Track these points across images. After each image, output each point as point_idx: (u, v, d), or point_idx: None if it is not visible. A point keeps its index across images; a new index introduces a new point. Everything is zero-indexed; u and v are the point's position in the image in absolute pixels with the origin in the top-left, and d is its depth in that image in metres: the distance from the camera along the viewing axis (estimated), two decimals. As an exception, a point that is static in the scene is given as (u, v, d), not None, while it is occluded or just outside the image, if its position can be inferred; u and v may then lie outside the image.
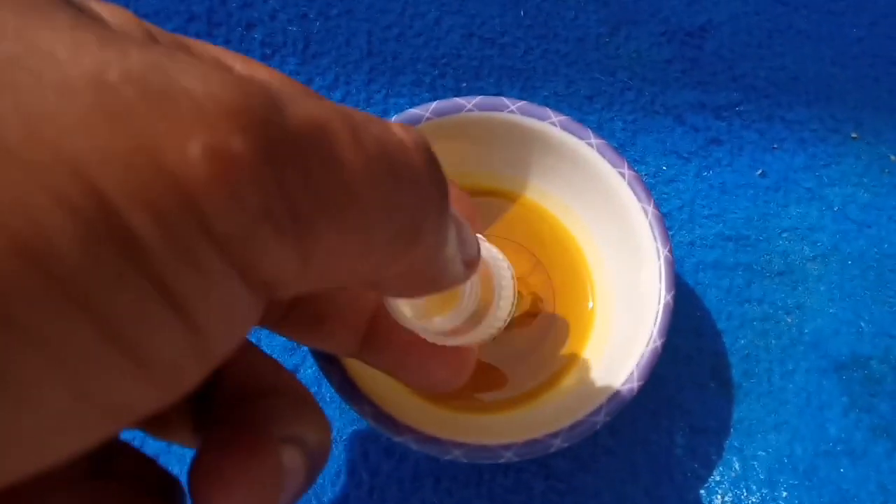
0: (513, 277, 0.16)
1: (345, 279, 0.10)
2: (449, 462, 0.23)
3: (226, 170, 0.08)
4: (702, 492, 0.23)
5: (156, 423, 0.15)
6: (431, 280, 0.12)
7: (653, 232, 0.21)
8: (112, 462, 0.13)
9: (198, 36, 0.28)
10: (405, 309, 0.15)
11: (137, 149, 0.07)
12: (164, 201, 0.07)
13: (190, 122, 0.07)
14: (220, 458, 0.12)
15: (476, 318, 0.15)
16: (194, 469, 0.12)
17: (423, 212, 0.10)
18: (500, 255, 0.16)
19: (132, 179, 0.07)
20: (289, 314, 0.17)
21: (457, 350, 0.17)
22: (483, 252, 0.15)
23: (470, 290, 0.15)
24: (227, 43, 0.28)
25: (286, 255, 0.09)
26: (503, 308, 0.16)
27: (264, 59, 0.28)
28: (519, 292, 0.23)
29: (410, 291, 0.12)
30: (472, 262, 0.13)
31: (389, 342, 0.17)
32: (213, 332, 0.08)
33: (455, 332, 0.15)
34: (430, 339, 0.15)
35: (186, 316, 0.08)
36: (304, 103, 0.09)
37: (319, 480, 0.23)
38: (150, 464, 0.14)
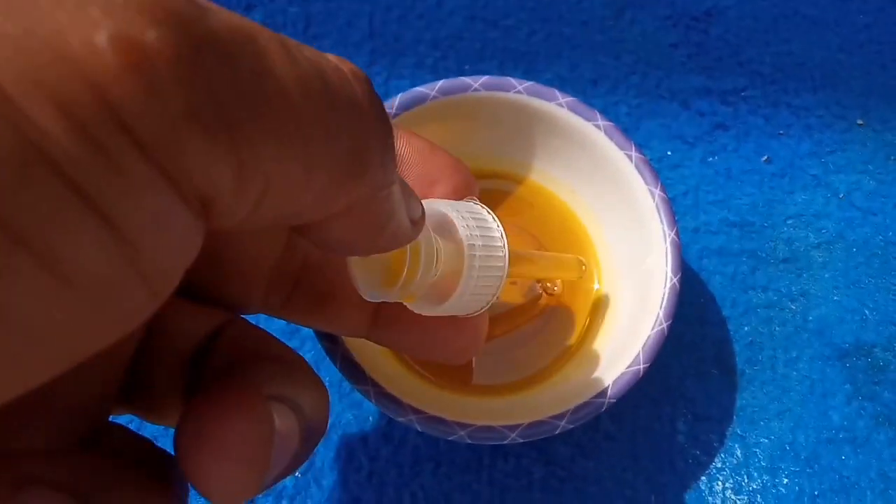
0: (504, 244, 0.15)
1: (289, 210, 0.10)
2: (449, 447, 0.23)
3: (139, 61, 0.07)
4: (703, 478, 0.23)
5: (148, 406, 0.14)
6: (378, 227, 0.12)
7: (659, 215, 0.20)
8: (102, 439, 0.13)
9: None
10: (365, 276, 0.15)
11: (31, 33, 0.07)
12: (69, 92, 0.07)
13: (97, 13, 0.07)
14: (205, 416, 0.11)
15: (441, 287, 0.15)
16: (179, 431, 0.11)
17: (365, 141, 0.10)
18: (492, 221, 0.15)
19: (28, 65, 0.07)
20: (292, 296, 0.16)
21: (470, 320, 0.17)
22: (461, 217, 0.15)
23: (425, 255, 0.14)
24: (226, 22, 0.28)
25: (218, 162, 0.08)
26: (484, 276, 0.15)
27: (264, 39, 0.27)
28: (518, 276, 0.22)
29: (355, 241, 0.12)
30: (415, 220, 0.13)
31: (400, 318, 0.16)
32: (147, 245, 0.08)
33: (431, 299, 0.15)
34: (416, 310, 0.15)
35: (111, 223, 0.07)
36: (232, 14, 0.08)
37: (318, 464, 0.23)
38: (141, 441, 0.13)
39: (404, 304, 0.15)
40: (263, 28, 0.09)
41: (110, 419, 0.13)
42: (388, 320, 0.17)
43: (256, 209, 0.09)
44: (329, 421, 0.14)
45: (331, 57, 0.10)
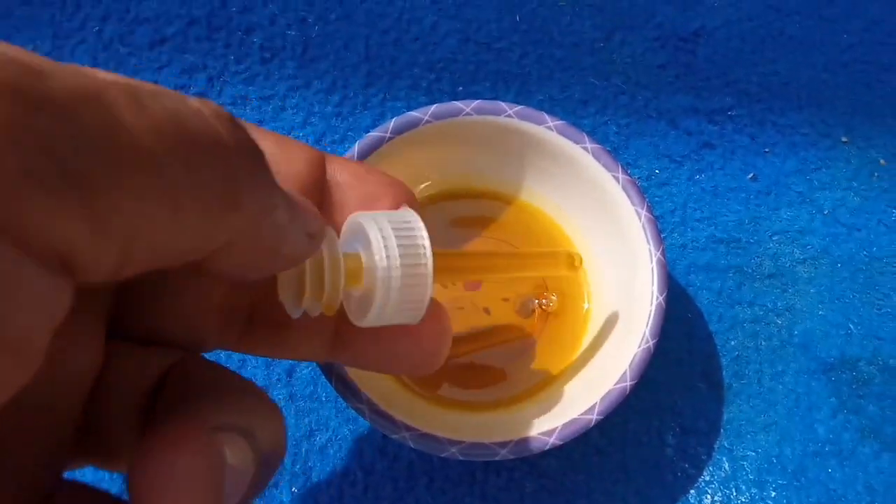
0: (427, 253, 0.15)
1: (167, 252, 0.10)
2: (442, 462, 0.23)
3: None
4: (692, 491, 0.24)
5: (106, 454, 0.14)
6: (269, 251, 0.12)
7: (646, 235, 0.21)
8: (55, 499, 0.13)
9: (197, 40, 0.28)
10: (284, 294, 0.15)
11: None
12: None
13: None
14: (152, 453, 0.11)
15: (366, 299, 0.15)
16: (130, 472, 0.11)
17: (231, 175, 0.11)
18: (418, 231, 0.15)
19: None
20: (248, 329, 0.17)
21: (429, 329, 0.17)
22: (379, 230, 0.15)
23: (330, 268, 0.15)
24: (227, 47, 0.28)
25: (70, 217, 0.08)
26: (407, 286, 0.15)
27: (263, 63, 0.28)
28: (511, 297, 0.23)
29: (253, 266, 0.12)
30: (313, 233, 0.13)
31: (357, 338, 0.17)
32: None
33: (360, 310, 0.15)
34: (354, 322, 0.16)
35: None
36: (75, 74, 0.09)
37: (315, 479, 0.23)
38: (99, 495, 0.13)
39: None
40: (115, 82, 0.09)
41: (66, 475, 0.13)
42: (345, 341, 0.17)
43: (127, 257, 0.09)
44: (286, 448, 0.15)
45: (192, 100, 0.11)
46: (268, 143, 0.16)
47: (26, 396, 0.11)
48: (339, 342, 0.17)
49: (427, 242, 0.15)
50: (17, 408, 0.11)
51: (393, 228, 0.15)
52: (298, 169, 0.16)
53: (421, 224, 0.16)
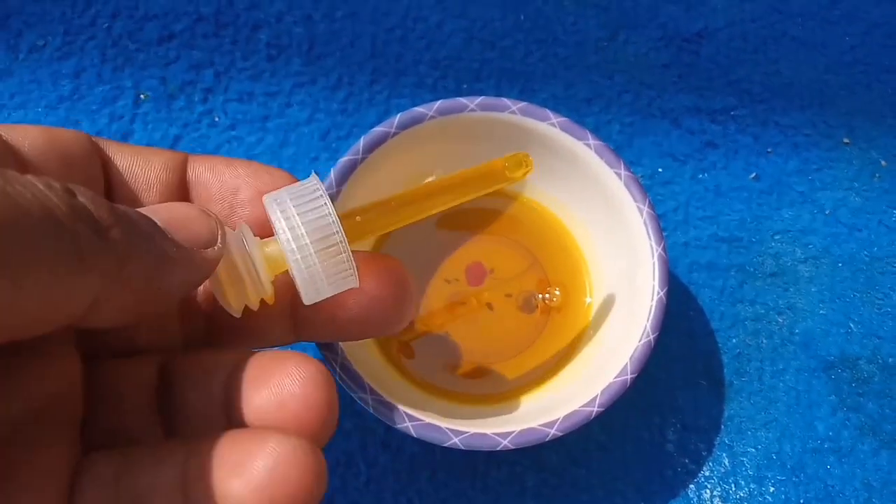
0: (334, 221, 0.15)
1: (19, 324, 0.11)
2: (444, 455, 0.24)
3: None
4: (691, 486, 0.24)
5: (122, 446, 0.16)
6: (149, 292, 0.14)
7: (647, 230, 0.21)
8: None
9: (204, 37, 0.28)
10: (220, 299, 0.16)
11: None
12: None
13: None
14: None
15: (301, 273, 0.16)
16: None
17: (74, 243, 0.12)
18: (320, 199, 0.16)
19: None
20: (211, 328, 0.18)
21: (384, 291, 0.17)
22: (281, 212, 0.15)
23: (242, 265, 0.15)
24: (234, 43, 0.29)
25: None
26: (325, 258, 0.15)
27: (269, 60, 0.29)
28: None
29: (140, 310, 0.14)
30: (202, 240, 0.15)
31: (315, 312, 0.17)
32: None
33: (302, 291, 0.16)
34: (305, 302, 0.16)
35: None
36: None
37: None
38: None
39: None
40: None
41: None
42: (305, 320, 0.18)
43: None
44: None
45: (34, 179, 0.12)
46: (125, 154, 0.17)
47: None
48: (301, 322, 0.18)
49: (331, 208, 0.15)
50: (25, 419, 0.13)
51: (294, 204, 0.15)
52: (157, 174, 0.17)
53: (322, 191, 0.16)
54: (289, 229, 0.15)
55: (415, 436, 0.19)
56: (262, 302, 0.17)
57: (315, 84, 0.28)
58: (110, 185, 0.17)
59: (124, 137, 0.27)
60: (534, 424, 0.19)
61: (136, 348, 0.17)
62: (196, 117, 0.28)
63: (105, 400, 0.16)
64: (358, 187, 0.22)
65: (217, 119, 0.28)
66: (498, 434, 0.19)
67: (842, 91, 0.29)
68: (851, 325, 0.26)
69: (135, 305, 0.14)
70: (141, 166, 0.17)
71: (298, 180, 0.18)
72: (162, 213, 0.15)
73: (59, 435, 0.15)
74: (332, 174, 0.21)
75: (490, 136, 0.23)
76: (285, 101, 0.28)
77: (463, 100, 0.22)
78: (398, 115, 0.22)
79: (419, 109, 0.22)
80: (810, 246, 0.27)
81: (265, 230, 0.17)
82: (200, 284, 0.15)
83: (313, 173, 0.16)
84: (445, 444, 0.19)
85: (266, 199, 0.16)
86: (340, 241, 0.15)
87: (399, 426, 0.19)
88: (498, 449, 0.19)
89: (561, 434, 0.19)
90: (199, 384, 0.17)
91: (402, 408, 0.19)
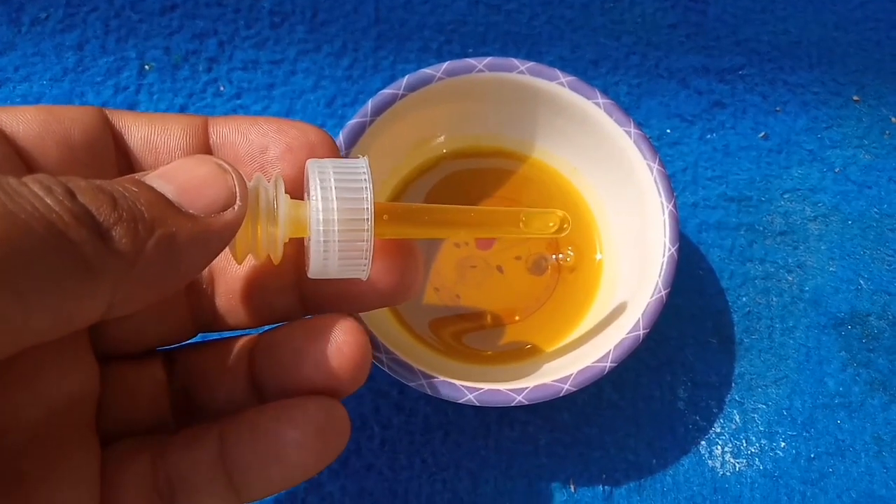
0: (368, 211, 0.15)
1: (31, 336, 0.12)
2: (458, 415, 0.24)
3: None
4: (702, 443, 0.24)
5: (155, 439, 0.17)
6: (168, 274, 0.13)
7: (658, 188, 0.21)
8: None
9: (207, 6, 0.28)
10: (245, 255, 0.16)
11: None
12: None
13: None
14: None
15: (309, 248, 0.15)
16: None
17: (77, 251, 0.11)
18: (363, 187, 0.15)
19: None
20: (216, 309, 0.18)
21: (394, 251, 0.17)
22: (320, 184, 0.15)
23: (265, 215, 0.15)
24: (236, 12, 0.28)
25: None
26: (345, 243, 0.15)
27: (273, 27, 0.28)
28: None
29: (165, 292, 0.14)
30: (220, 203, 0.14)
31: (319, 287, 0.17)
32: None
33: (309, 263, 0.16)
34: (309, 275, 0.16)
35: None
36: None
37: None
38: None
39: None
40: None
41: None
42: (312, 292, 0.18)
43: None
44: None
45: (32, 185, 0.12)
46: (140, 124, 0.17)
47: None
48: (307, 295, 0.18)
49: (370, 197, 0.15)
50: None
51: (336, 179, 0.15)
52: (178, 141, 0.17)
53: (368, 177, 0.15)
54: (322, 200, 0.15)
55: (430, 393, 0.19)
56: (269, 270, 0.16)
57: (319, 51, 0.28)
58: (129, 158, 0.17)
59: (130, 108, 0.27)
60: (547, 380, 0.19)
61: (146, 344, 0.18)
62: (201, 87, 0.27)
63: (117, 395, 0.17)
64: (367, 149, 0.22)
65: (222, 88, 0.27)
66: (512, 390, 0.19)
67: (851, 48, 0.29)
68: (861, 282, 0.26)
69: (153, 293, 0.13)
70: (159, 134, 0.17)
71: (326, 132, 0.17)
72: (175, 178, 0.14)
73: (82, 433, 0.16)
74: (341, 136, 0.21)
75: (498, 97, 0.23)
76: (290, 69, 0.28)
77: (471, 60, 0.22)
78: (406, 77, 0.22)
79: (427, 71, 0.22)
80: (820, 204, 0.27)
81: (296, 189, 0.16)
82: (223, 251, 0.15)
83: (365, 158, 0.16)
84: (460, 401, 0.19)
85: (311, 163, 0.16)
86: (367, 230, 0.15)
87: (413, 384, 0.19)
88: (512, 404, 0.19)
89: (575, 389, 0.19)
90: (220, 371, 0.18)
91: (416, 366, 0.19)
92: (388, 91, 0.22)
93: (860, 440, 0.24)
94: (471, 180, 0.25)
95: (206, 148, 0.17)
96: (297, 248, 0.17)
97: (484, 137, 0.24)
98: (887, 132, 0.28)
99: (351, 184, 0.15)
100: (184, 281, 0.14)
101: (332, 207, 0.15)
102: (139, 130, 0.17)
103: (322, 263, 0.15)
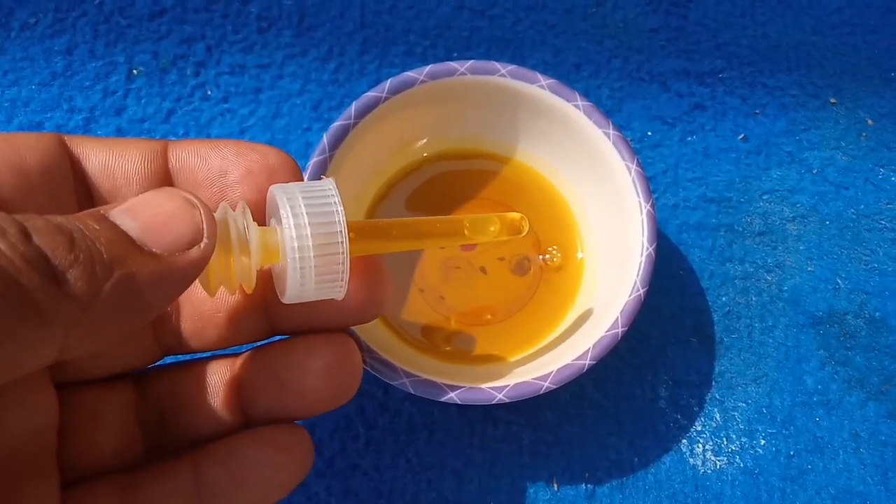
0: (342, 231, 0.15)
1: (11, 372, 0.11)
2: (442, 415, 0.24)
3: None
4: (684, 441, 0.24)
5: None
6: (133, 312, 0.13)
7: (636, 188, 0.22)
8: None
9: (195, 11, 0.29)
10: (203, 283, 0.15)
11: None
12: None
13: None
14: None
15: (284, 278, 0.15)
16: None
17: (28, 297, 0.11)
18: (333, 206, 0.15)
19: None
20: (181, 338, 0.18)
21: (362, 269, 0.17)
22: (291, 209, 0.15)
23: (237, 244, 0.15)
24: (224, 17, 0.29)
25: None
26: (321, 265, 0.15)
27: (260, 32, 0.29)
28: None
29: (123, 334, 0.13)
30: (186, 240, 0.14)
31: (288, 309, 0.17)
32: None
33: (280, 290, 0.16)
34: (283, 301, 0.16)
35: None
36: None
37: (318, 434, 0.24)
38: None
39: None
40: None
41: None
42: (280, 314, 0.18)
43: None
44: None
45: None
46: (99, 149, 0.16)
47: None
48: (275, 316, 0.18)
49: (341, 216, 0.15)
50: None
51: (310, 206, 0.15)
52: (136, 166, 0.16)
53: (337, 202, 0.15)
54: (295, 227, 0.15)
55: (412, 392, 0.20)
56: (239, 294, 0.16)
57: (306, 55, 0.28)
58: (87, 184, 0.16)
59: (118, 113, 0.27)
60: (528, 378, 0.20)
61: (109, 369, 0.17)
62: (189, 91, 0.28)
63: (81, 423, 0.16)
64: (350, 151, 0.22)
65: (210, 92, 0.28)
66: (493, 388, 0.20)
67: (828, 52, 0.29)
68: (839, 282, 0.26)
69: (110, 334, 0.13)
70: (116, 160, 0.16)
71: (288, 154, 0.17)
72: (140, 214, 0.14)
73: (41, 468, 0.15)
74: (325, 139, 0.21)
75: (480, 100, 0.23)
76: (277, 73, 0.28)
77: (453, 63, 0.23)
78: (389, 80, 0.22)
79: (410, 74, 0.22)
80: (798, 205, 0.27)
81: (257, 213, 0.16)
82: (185, 290, 0.14)
83: (331, 178, 0.16)
84: (442, 399, 0.19)
85: (277, 189, 0.15)
86: (342, 253, 0.15)
87: (395, 383, 0.20)
88: (493, 402, 0.19)
89: (555, 387, 0.20)
90: (193, 392, 0.18)
91: (398, 365, 0.20)
92: (371, 94, 0.22)
93: (838, 437, 0.25)
94: (453, 182, 0.25)
95: (164, 172, 0.17)
96: (265, 270, 0.17)
97: (466, 140, 0.25)
98: (864, 134, 0.28)
99: (321, 207, 0.15)
100: (145, 321, 0.14)
101: (306, 234, 0.15)
102: (97, 156, 0.16)
103: (299, 289, 0.15)
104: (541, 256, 0.24)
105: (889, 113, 0.29)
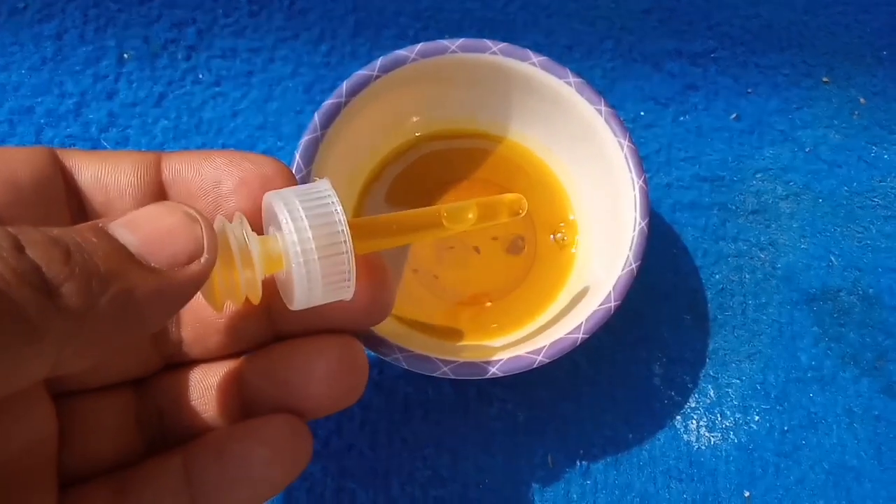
0: (343, 231, 0.15)
1: (2, 388, 0.11)
2: (437, 394, 0.24)
3: None
4: (678, 417, 0.25)
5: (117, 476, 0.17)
6: (130, 327, 0.13)
7: (628, 164, 0.22)
8: None
9: (186, -5, 0.28)
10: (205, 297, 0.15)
11: None
12: None
13: None
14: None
15: (289, 284, 0.15)
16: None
17: (20, 313, 0.11)
18: (331, 206, 0.15)
19: None
20: (188, 342, 0.18)
21: (364, 270, 0.17)
22: (289, 213, 0.15)
23: (239, 254, 0.15)
24: (215, 1, 0.29)
25: None
26: (327, 267, 0.15)
27: (252, 16, 0.29)
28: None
29: (116, 349, 0.13)
30: (186, 254, 0.13)
31: (290, 313, 0.17)
32: None
33: (287, 296, 0.16)
34: (290, 307, 0.16)
35: None
36: None
37: (314, 415, 0.24)
38: None
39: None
40: None
41: None
42: (282, 318, 0.17)
43: None
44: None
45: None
46: (91, 162, 0.16)
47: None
48: (277, 320, 0.18)
49: (341, 215, 0.15)
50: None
51: (309, 209, 0.15)
52: (128, 178, 0.16)
53: (335, 202, 0.15)
54: (297, 231, 0.14)
55: (405, 367, 0.20)
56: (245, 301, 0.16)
57: (298, 38, 0.28)
58: (79, 198, 0.16)
59: (109, 97, 0.27)
60: (521, 352, 0.20)
61: (108, 379, 0.17)
62: (180, 75, 0.28)
63: (80, 431, 0.16)
64: (342, 131, 0.22)
65: (201, 76, 0.28)
66: (486, 362, 0.20)
67: (820, 31, 0.29)
68: (832, 259, 0.26)
69: (106, 348, 0.13)
70: (109, 173, 0.16)
71: (282, 162, 0.17)
72: (140, 228, 0.13)
73: (41, 478, 0.15)
74: (317, 118, 0.21)
75: (472, 78, 0.23)
76: (269, 57, 0.28)
77: (444, 42, 0.22)
78: (379, 59, 0.22)
79: (401, 52, 0.22)
80: (791, 183, 0.27)
81: (253, 222, 0.16)
82: (184, 306, 0.14)
83: (326, 179, 0.16)
84: (435, 374, 0.19)
85: (273, 196, 0.15)
86: (346, 252, 0.15)
87: (389, 358, 0.20)
88: (487, 376, 0.19)
89: (548, 360, 0.20)
90: (193, 393, 0.17)
91: (392, 341, 0.20)
92: (362, 72, 0.22)
93: (832, 413, 0.25)
94: (446, 162, 0.25)
95: (157, 185, 0.17)
96: (267, 278, 0.17)
97: (459, 118, 0.25)
98: (856, 112, 0.28)
99: (320, 208, 0.15)
100: (143, 335, 0.14)
101: (308, 236, 0.14)
102: (89, 169, 0.16)
103: (307, 294, 0.15)
104: (552, 236, 0.24)
105: (881, 91, 0.29)
